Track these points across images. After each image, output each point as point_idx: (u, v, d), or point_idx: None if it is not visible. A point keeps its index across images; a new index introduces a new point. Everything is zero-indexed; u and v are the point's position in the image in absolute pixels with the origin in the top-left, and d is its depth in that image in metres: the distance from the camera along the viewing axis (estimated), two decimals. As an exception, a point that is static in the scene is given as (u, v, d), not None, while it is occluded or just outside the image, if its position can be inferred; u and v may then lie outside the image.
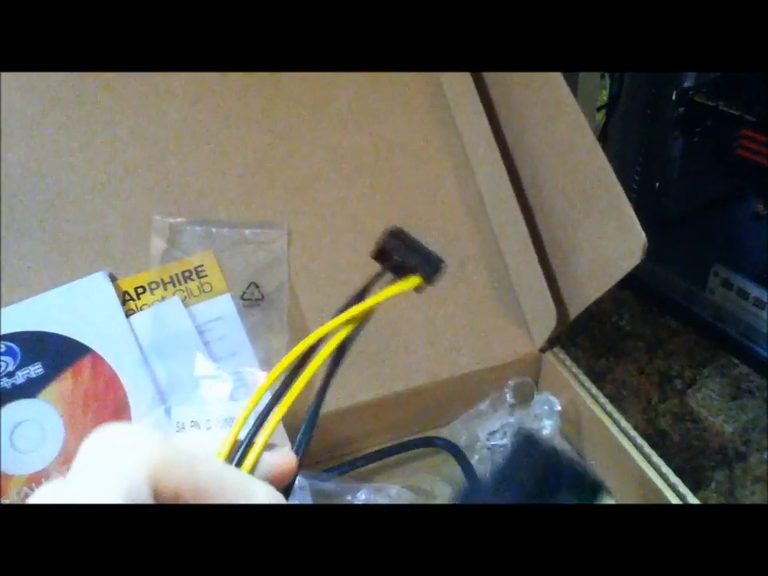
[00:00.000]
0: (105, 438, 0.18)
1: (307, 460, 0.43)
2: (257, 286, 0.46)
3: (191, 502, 0.18)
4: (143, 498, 0.17)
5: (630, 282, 0.68)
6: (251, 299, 0.46)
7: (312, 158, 0.49)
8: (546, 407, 0.44)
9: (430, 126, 0.52)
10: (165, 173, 0.46)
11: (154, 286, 0.44)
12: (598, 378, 0.59)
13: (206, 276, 0.45)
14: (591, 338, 0.62)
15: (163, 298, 0.44)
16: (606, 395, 0.57)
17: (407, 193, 0.51)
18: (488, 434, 0.44)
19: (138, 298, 0.44)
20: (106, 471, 0.17)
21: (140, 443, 0.18)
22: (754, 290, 0.59)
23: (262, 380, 0.22)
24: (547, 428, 0.44)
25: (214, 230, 0.46)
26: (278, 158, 0.48)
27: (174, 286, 0.45)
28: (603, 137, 0.66)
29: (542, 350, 0.49)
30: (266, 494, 0.20)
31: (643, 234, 0.39)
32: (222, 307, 0.45)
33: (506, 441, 0.43)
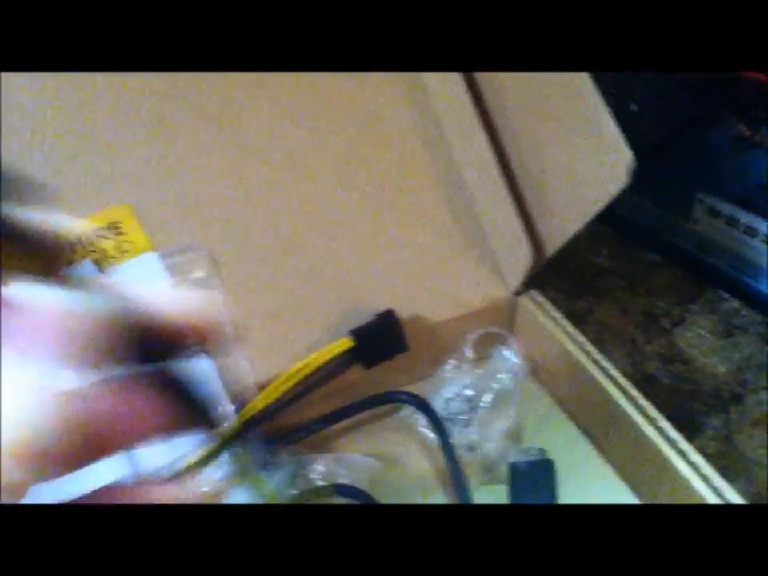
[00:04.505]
0: None
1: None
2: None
3: None
4: None
5: (607, 216, 0.62)
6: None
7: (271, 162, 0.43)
8: (501, 362, 0.39)
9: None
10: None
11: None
12: (577, 321, 0.53)
13: (124, 233, 0.39)
14: (567, 277, 0.57)
15: (71, 263, 0.38)
16: (588, 339, 0.53)
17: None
18: (444, 402, 0.38)
19: (44, 263, 0.37)
20: None
21: None
22: (744, 217, 0.54)
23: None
24: (505, 384, 0.38)
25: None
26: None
27: (84, 247, 0.38)
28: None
29: (517, 294, 0.44)
30: None
31: (629, 152, 0.33)
32: (146, 268, 0.39)
33: (465, 407, 0.38)
